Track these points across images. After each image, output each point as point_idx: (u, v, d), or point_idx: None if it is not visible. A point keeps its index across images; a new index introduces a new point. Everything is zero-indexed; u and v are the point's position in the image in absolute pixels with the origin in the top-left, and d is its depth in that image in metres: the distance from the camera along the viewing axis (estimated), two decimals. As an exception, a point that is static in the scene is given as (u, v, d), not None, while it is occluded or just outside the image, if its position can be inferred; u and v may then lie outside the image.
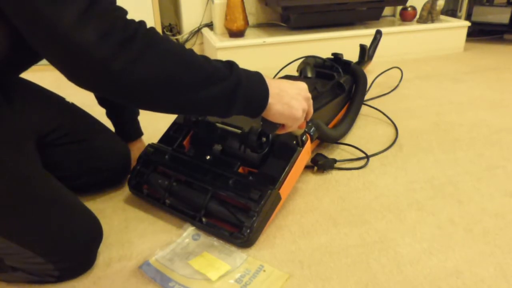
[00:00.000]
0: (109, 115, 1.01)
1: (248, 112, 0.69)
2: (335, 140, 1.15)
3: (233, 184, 0.81)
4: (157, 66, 0.57)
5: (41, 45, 0.54)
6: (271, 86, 0.69)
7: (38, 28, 0.52)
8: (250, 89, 0.66)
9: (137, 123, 1.05)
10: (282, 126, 0.76)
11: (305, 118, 0.78)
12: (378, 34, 1.61)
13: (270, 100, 0.69)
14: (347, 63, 1.30)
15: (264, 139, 0.85)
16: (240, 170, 0.87)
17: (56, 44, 0.52)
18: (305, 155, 0.89)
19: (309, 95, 0.77)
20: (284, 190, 0.83)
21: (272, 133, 0.79)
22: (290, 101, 0.71)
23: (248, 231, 0.76)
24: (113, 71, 0.54)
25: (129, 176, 0.94)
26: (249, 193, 0.78)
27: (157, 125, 1.08)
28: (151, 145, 0.94)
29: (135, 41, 0.55)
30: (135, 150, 1.01)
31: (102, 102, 0.98)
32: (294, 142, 0.85)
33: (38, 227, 0.67)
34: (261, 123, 0.76)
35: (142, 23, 0.57)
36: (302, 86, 0.76)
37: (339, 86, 1.20)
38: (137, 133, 1.05)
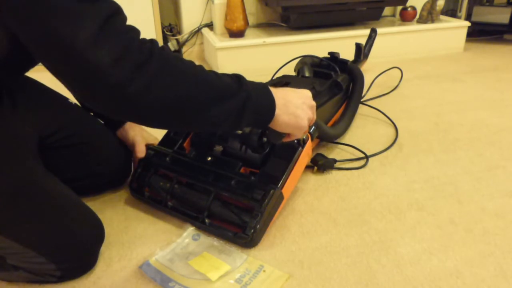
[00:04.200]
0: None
1: (256, 124, 0.70)
2: (334, 139, 1.15)
3: (236, 184, 0.81)
4: (171, 87, 0.57)
5: (55, 66, 0.54)
6: (277, 97, 0.70)
7: (52, 49, 0.51)
8: (259, 102, 0.67)
9: None
10: (288, 135, 0.77)
11: (308, 124, 0.79)
12: (373, 33, 1.61)
13: (277, 111, 0.69)
14: (344, 62, 1.30)
15: (265, 139, 0.85)
16: (242, 170, 0.87)
17: (70, 66, 0.52)
18: (306, 154, 0.89)
19: (314, 103, 0.78)
20: (286, 190, 0.83)
21: (278, 142, 0.80)
22: (295, 111, 0.72)
23: (252, 231, 0.76)
24: (128, 95, 0.54)
25: (129, 179, 0.94)
26: (252, 193, 0.78)
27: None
28: (151, 148, 0.94)
29: (150, 64, 0.55)
30: (137, 134, 0.97)
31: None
32: (295, 141, 0.85)
33: (41, 227, 0.67)
34: (267, 132, 0.77)
35: (154, 42, 0.57)
36: (307, 94, 0.77)
37: (336, 85, 1.20)
38: None
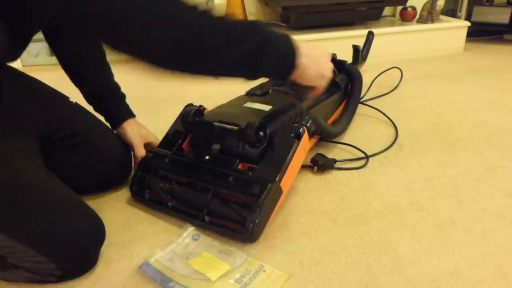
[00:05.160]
0: (96, 106, 0.98)
1: (279, 71, 0.67)
2: (333, 137, 1.15)
3: (234, 181, 0.81)
4: (186, 21, 0.56)
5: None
6: (300, 46, 0.68)
7: None
8: (280, 45, 0.65)
9: (125, 103, 1.00)
10: (312, 89, 0.75)
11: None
12: (371, 35, 1.62)
13: (303, 59, 0.67)
14: (341, 62, 1.31)
15: (261, 133, 0.85)
16: (240, 166, 0.87)
17: None
18: (303, 148, 0.89)
19: (330, 53, 0.77)
20: (285, 184, 0.83)
21: (304, 99, 0.77)
22: (319, 59, 0.71)
23: (251, 225, 0.76)
24: (141, 23, 0.52)
25: (130, 182, 0.94)
26: (250, 188, 0.78)
27: (158, 125, 1.08)
28: (150, 150, 0.95)
29: None
30: (135, 134, 0.97)
31: (89, 98, 0.96)
32: (292, 135, 0.86)
33: (42, 226, 0.67)
34: (292, 92, 0.76)
35: None
36: (320, 47, 0.76)
37: (335, 85, 1.20)
38: (128, 112, 1.01)
